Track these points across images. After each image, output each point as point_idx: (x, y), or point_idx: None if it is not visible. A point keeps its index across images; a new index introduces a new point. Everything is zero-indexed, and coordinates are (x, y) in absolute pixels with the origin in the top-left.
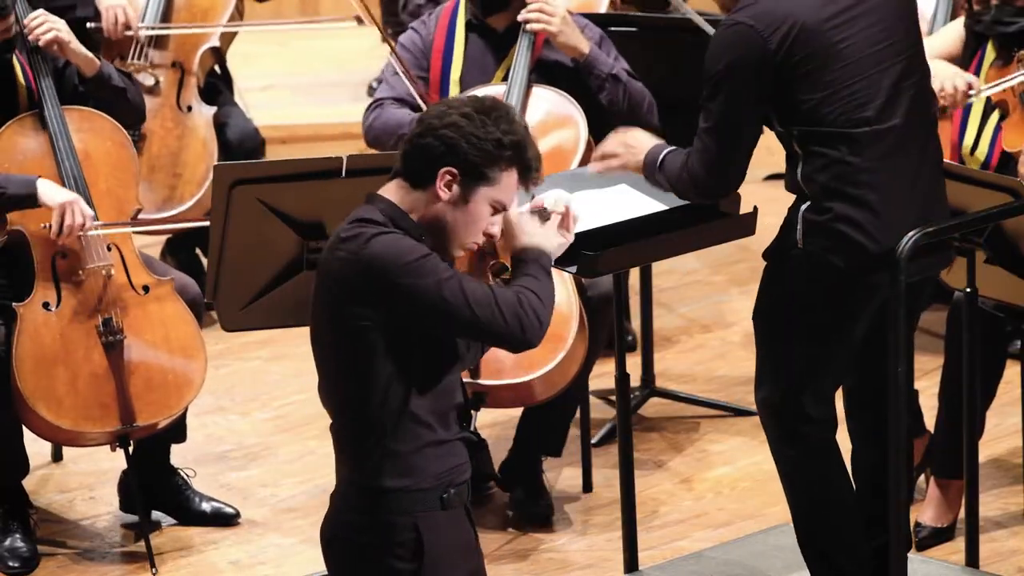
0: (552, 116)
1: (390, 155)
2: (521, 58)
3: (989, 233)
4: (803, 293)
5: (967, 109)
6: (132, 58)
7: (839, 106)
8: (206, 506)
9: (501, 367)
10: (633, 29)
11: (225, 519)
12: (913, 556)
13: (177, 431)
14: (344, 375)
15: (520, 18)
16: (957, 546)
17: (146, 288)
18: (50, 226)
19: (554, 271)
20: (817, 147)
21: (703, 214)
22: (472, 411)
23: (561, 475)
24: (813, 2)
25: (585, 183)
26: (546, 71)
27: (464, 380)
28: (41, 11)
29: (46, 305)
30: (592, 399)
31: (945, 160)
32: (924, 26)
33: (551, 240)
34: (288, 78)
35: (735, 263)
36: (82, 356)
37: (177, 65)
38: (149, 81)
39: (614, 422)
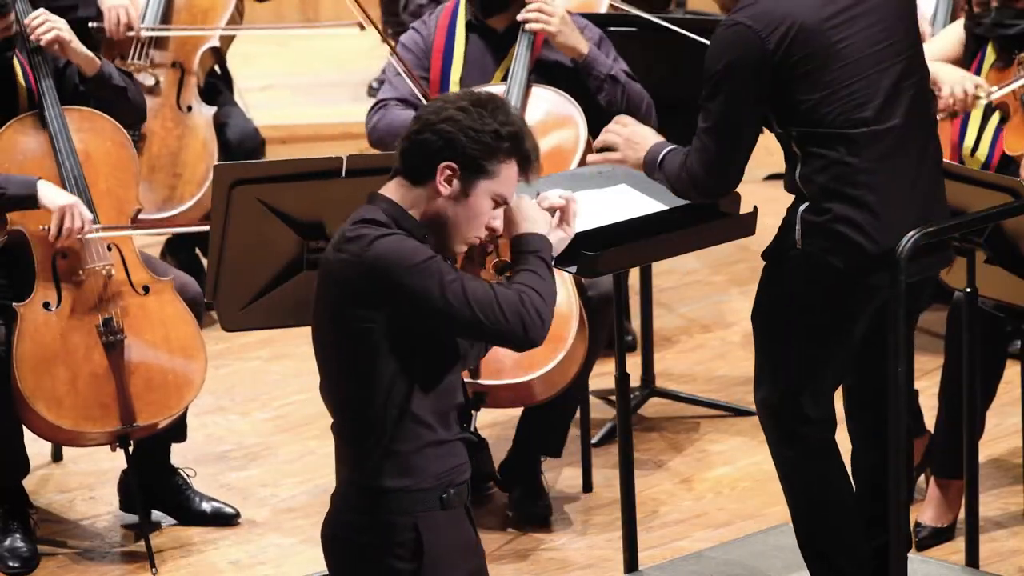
0: (552, 116)
1: (390, 155)
2: (520, 58)
3: (989, 233)
4: (801, 294)
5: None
6: (132, 58)
7: (838, 106)
8: (206, 506)
9: (501, 367)
10: (633, 29)
11: (225, 519)
12: (913, 556)
13: (177, 431)
14: (345, 375)
15: (519, 17)
16: (957, 546)
17: (146, 288)
18: (48, 228)
19: (554, 270)
20: (816, 148)
21: (703, 214)
22: (472, 411)
23: (561, 475)
24: (812, 2)
25: (585, 183)
26: (545, 71)
27: (464, 380)
28: (42, 10)
29: (46, 305)
30: (592, 399)
31: (945, 160)
32: (924, 27)
33: (552, 229)
34: (288, 78)
35: (735, 263)
36: (82, 356)
37: (177, 65)
38: (149, 81)
39: (614, 422)
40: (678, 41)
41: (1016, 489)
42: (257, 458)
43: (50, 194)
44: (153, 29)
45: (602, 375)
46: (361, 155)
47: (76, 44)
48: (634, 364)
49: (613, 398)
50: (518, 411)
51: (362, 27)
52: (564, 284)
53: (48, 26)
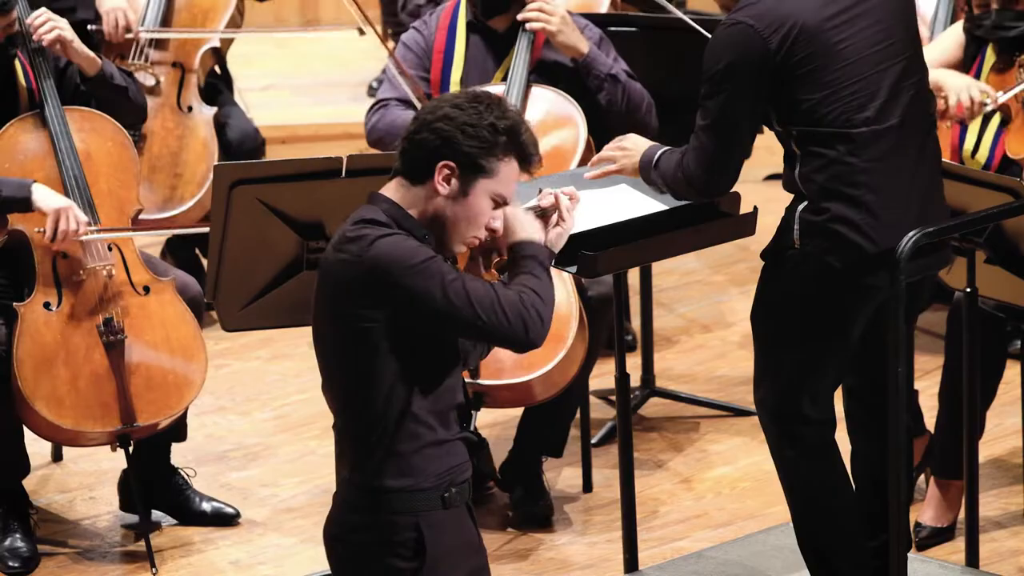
0: (552, 116)
1: (390, 155)
2: (520, 58)
3: (989, 233)
4: (799, 294)
5: None
6: (132, 58)
7: (838, 106)
8: (206, 506)
9: (501, 367)
10: (633, 29)
11: (225, 519)
12: (913, 556)
13: (177, 431)
14: (346, 375)
15: (519, 17)
16: (957, 546)
17: (147, 288)
18: (44, 231)
19: (554, 271)
20: (815, 147)
21: (703, 214)
22: (472, 411)
23: (561, 475)
24: (813, 2)
25: (585, 183)
26: (546, 71)
27: (464, 380)
28: (44, 10)
29: (47, 305)
30: (592, 399)
31: (945, 160)
32: (924, 28)
33: (547, 235)
34: (288, 78)
35: (735, 263)
36: (83, 356)
37: (177, 65)
38: (149, 81)
39: (614, 422)
40: (678, 41)
41: (1016, 489)
42: (257, 458)
43: (45, 197)
44: (152, 31)
45: (602, 375)
46: (361, 155)
47: (78, 44)
48: (634, 364)
49: (613, 398)
50: (518, 411)
51: (361, 32)
52: (564, 284)
53: (50, 25)
